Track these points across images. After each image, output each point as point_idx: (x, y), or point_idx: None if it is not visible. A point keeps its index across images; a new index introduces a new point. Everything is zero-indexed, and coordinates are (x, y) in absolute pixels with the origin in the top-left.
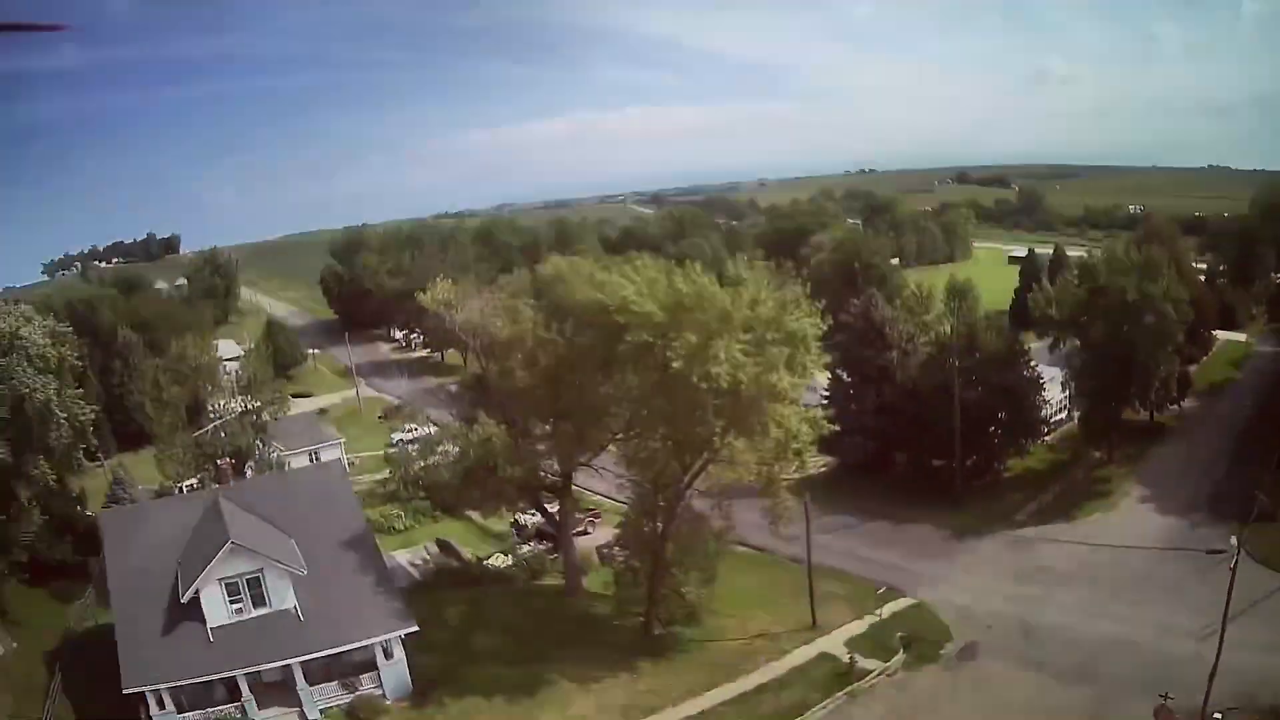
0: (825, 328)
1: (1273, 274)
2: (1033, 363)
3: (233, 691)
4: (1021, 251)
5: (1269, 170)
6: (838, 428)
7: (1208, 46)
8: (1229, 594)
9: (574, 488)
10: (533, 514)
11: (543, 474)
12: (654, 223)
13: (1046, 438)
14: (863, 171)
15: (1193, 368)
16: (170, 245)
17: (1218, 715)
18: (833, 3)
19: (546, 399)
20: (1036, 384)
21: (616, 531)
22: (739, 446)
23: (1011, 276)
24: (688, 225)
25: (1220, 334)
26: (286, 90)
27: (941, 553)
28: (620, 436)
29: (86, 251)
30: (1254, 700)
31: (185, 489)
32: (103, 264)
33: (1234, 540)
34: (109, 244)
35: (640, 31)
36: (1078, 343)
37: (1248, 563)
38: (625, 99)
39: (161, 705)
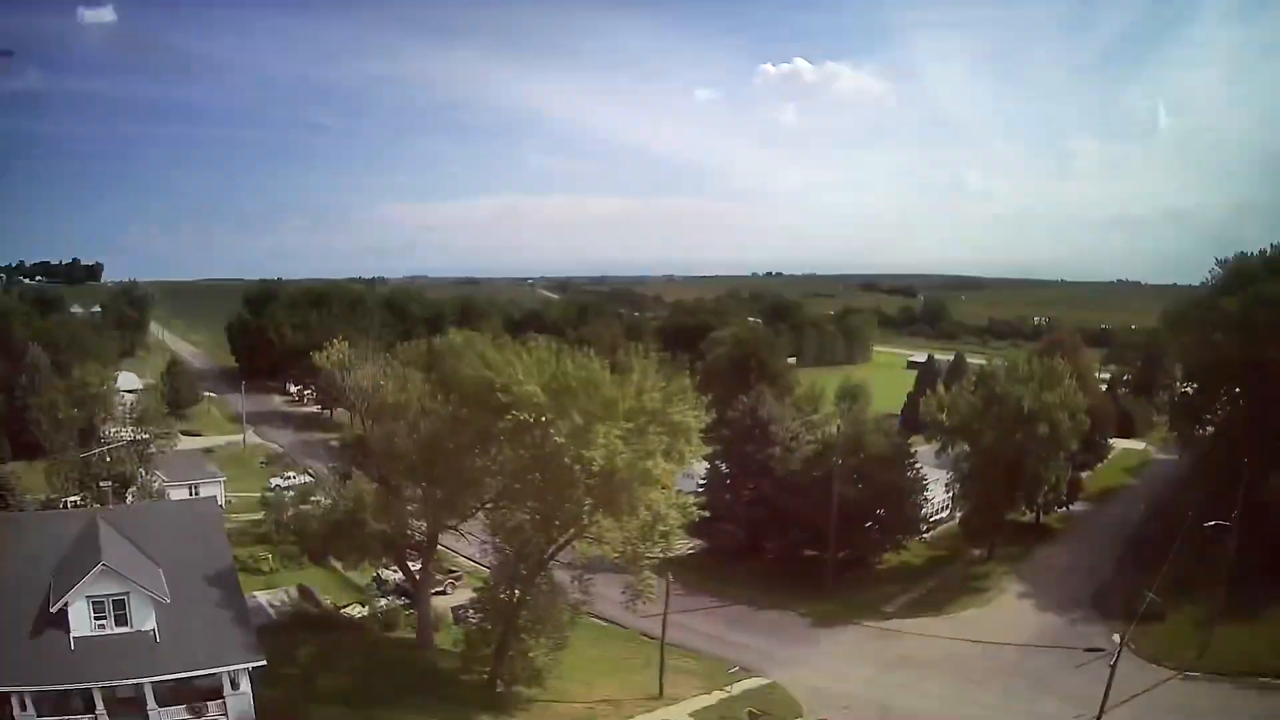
0: (710, 420)
1: (1177, 384)
2: (917, 464)
3: (89, 703)
4: (921, 358)
5: (1181, 285)
6: (708, 514)
7: (1123, 161)
8: (1108, 687)
9: (439, 548)
10: (395, 570)
11: (410, 533)
12: (558, 307)
13: (925, 535)
14: (770, 275)
15: (1086, 474)
16: (93, 272)
17: None
18: (761, 110)
19: (422, 464)
20: (919, 484)
21: (474, 595)
22: (606, 525)
23: (909, 381)
24: (590, 312)
25: (1119, 442)
26: (227, 141)
27: (803, 638)
28: (490, 505)
29: (14, 265)
30: None
31: (69, 504)
32: (26, 280)
33: (1116, 637)
34: (35, 262)
35: (576, 123)
36: (967, 447)
37: (1132, 659)
38: (551, 185)
39: (24, 707)
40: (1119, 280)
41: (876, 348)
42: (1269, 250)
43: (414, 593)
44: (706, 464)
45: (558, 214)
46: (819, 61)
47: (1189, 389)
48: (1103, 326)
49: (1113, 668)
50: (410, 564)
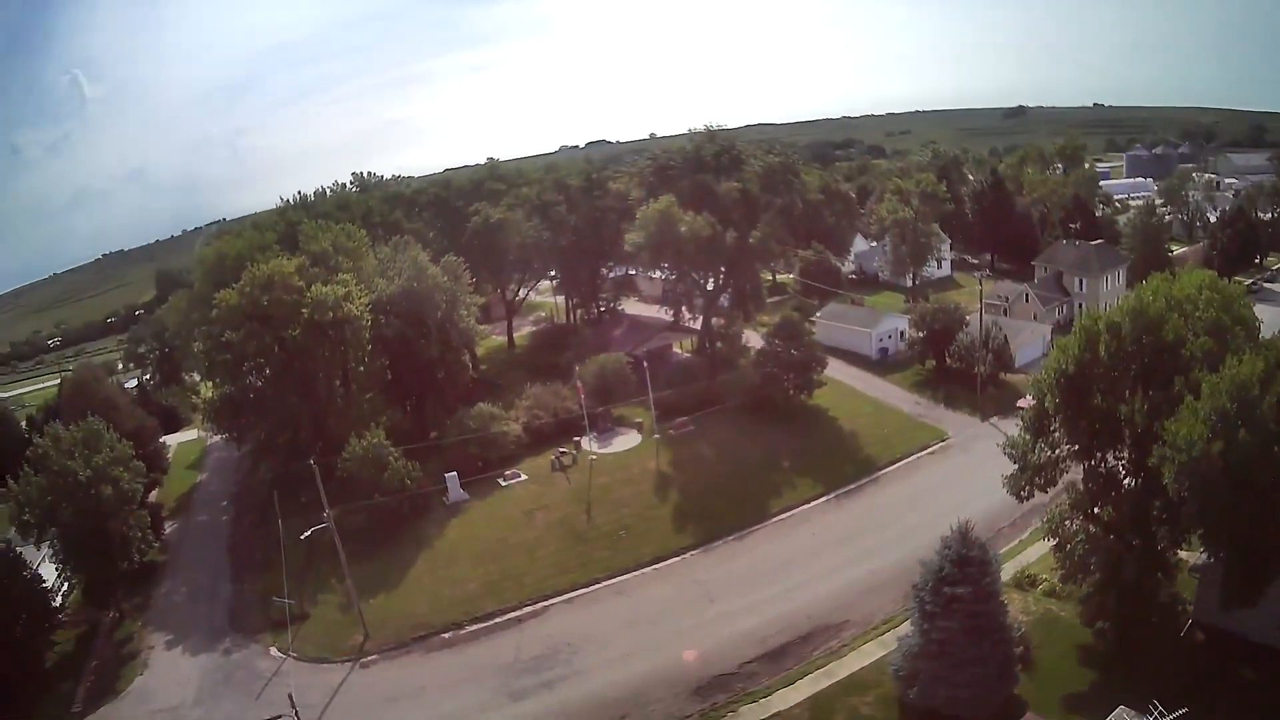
0: None
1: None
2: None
3: None
4: None
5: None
6: None
7: (65, 142)
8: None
9: None
10: None
11: None
12: None
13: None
14: None
15: (154, 494)
16: None
17: None
18: None
19: None
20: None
21: None
22: None
23: None
24: None
25: (174, 437)
26: None
27: None
28: None
29: None
30: None
31: None
32: None
33: (275, 651)
34: None
35: None
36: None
37: (304, 667)
38: None
39: None
40: (105, 256)
41: None
42: None
43: None
44: None
45: None
46: None
47: (215, 383)
48: (109, 319)
49: (290, 694)
50: None
